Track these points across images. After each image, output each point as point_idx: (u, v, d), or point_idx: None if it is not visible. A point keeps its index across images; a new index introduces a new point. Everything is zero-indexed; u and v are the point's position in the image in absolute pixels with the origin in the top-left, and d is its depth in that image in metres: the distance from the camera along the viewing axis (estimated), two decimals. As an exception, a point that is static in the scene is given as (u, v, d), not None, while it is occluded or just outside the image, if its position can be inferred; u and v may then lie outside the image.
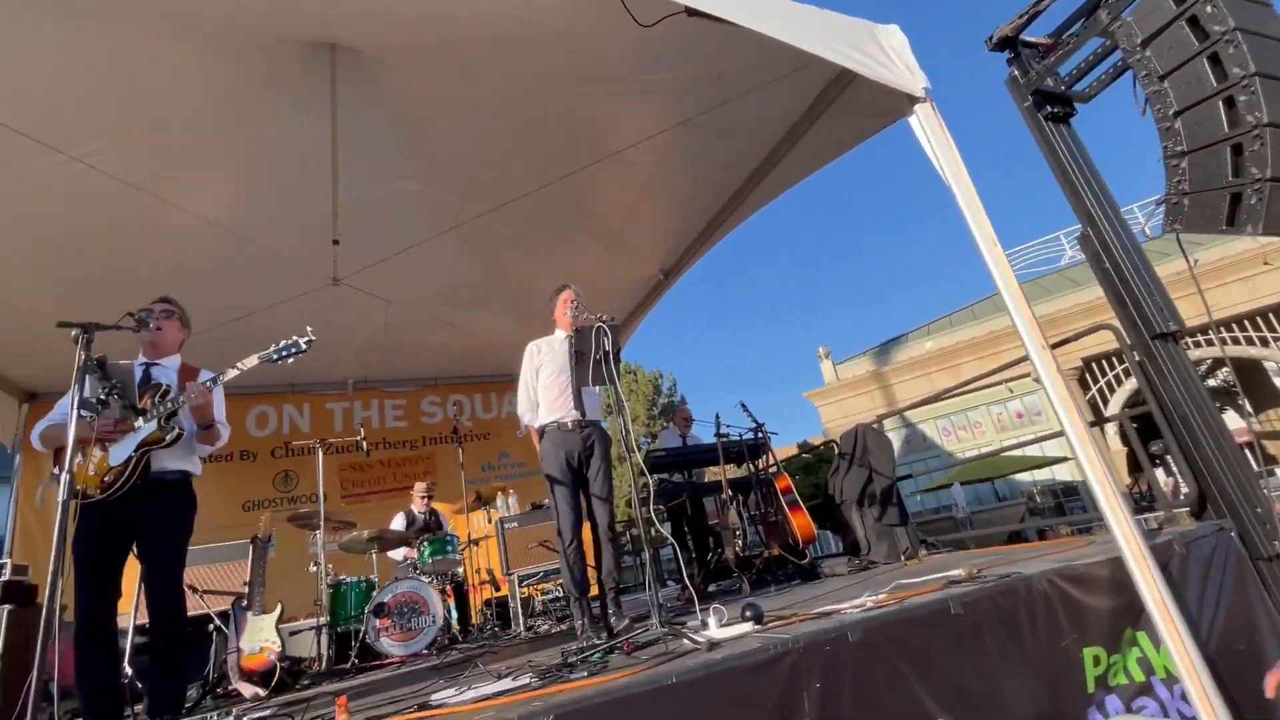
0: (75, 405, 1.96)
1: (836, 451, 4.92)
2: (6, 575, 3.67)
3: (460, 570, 5.11)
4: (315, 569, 4.40)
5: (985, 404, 14.96)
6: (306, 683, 3.75)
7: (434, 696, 2.10)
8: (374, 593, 4.22)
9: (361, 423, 6.78)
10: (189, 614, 3.88)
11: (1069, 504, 13.88)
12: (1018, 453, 12.10)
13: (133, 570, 2.59)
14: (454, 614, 4.93)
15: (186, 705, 3.35)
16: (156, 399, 2.57)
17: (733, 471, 4.88)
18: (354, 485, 6.79)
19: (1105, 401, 14.04)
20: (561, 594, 4.77)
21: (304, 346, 2.78)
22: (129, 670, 3.32)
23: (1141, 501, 13.32)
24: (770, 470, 4.94)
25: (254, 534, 3.98)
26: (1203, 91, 2.53)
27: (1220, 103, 2.47)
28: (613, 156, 4.34)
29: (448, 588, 4.83)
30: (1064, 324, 13.09)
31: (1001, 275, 2.77)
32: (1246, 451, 3.27)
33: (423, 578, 4.35)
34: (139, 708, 2.71)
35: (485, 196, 4.61)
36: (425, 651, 4.06)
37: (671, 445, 5.44)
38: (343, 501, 6.57)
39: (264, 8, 3.09)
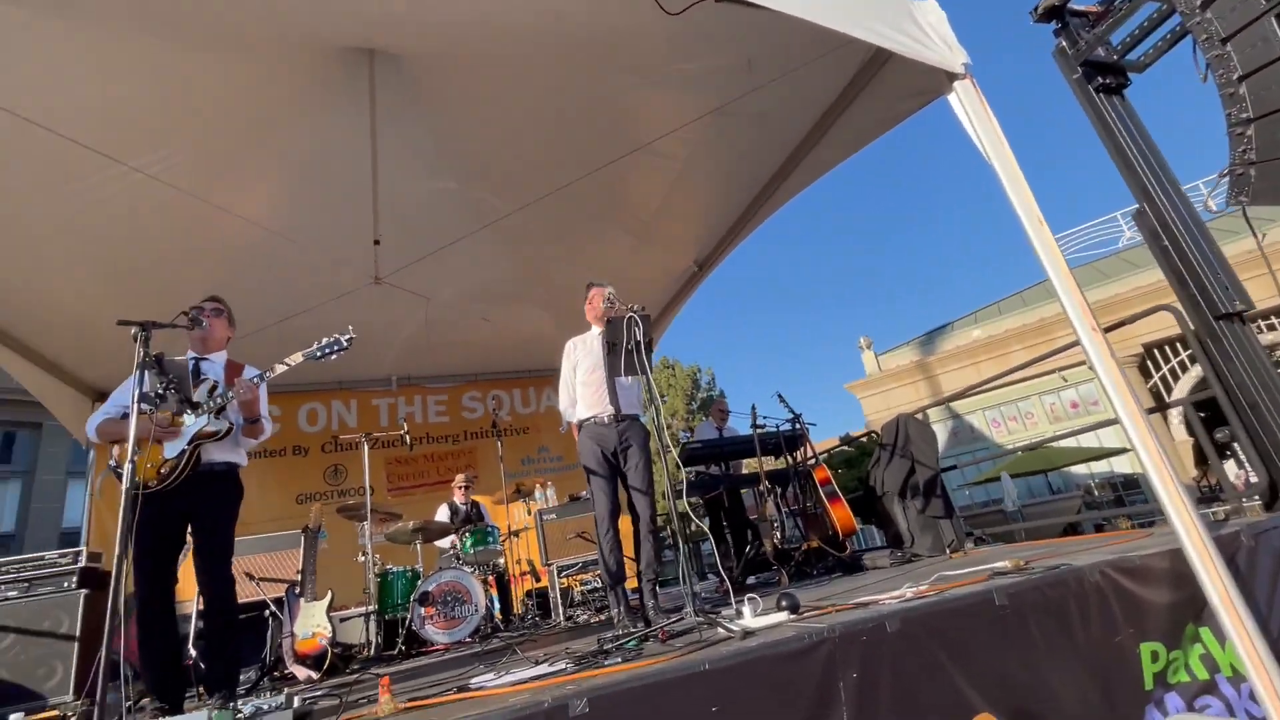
0: (136, 399, 2.07)
1: (878, 442, 4.82)
2: (83, 562, 3.91)
3: (501, 561, 5.22)
4: (363, 559, 4.56)
5: (1037, 393, 14.37)
6: (356, 667, 3.89)
7: (473, 680, 2.15)
8: (419, 582, 4.35)
9: (405, 418, 6.96)
10: (247, 600, 4.09)
11: (1130, 497, 13.22)
12: (1072, 443, 11.60)
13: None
14: (496, 603, 5.04)
15: (245, 686, 3.53)
16: (209, 394, 2.70)
17: (770, 463, 4.83)
18: (399, 479, 6.99)
19: (1169, 390, 13.32)
20: (599, 585, 4.82)
21: (345, 344, 2.87)
22: (193, 652, 3.51)
23: (1210, 495, 12.61)
24: (809, 462, 4.87)
25: (305, 524, 4.14)
26: (1271, 53, 2.37)
27: (1290, 64, 2.31)
28: (645, 148, 4.33)
29: (490, 578, 4.93)
30: (1122, 309, 12.45)
31: (1049, 255, 2.66)
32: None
33: (465, 568, 4.46)
34: (203, 689, 2.87)
35: (520, 193, 4.67)
36: (468, 639, 4.15)
37: (708, 438, 5.42)
38: (389, 494, 6.78)
39: (305, 19, 3.19)
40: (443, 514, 5.45)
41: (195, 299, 3.03)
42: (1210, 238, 2.98)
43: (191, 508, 2.64)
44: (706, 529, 4.22)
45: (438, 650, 4.05)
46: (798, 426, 4.83)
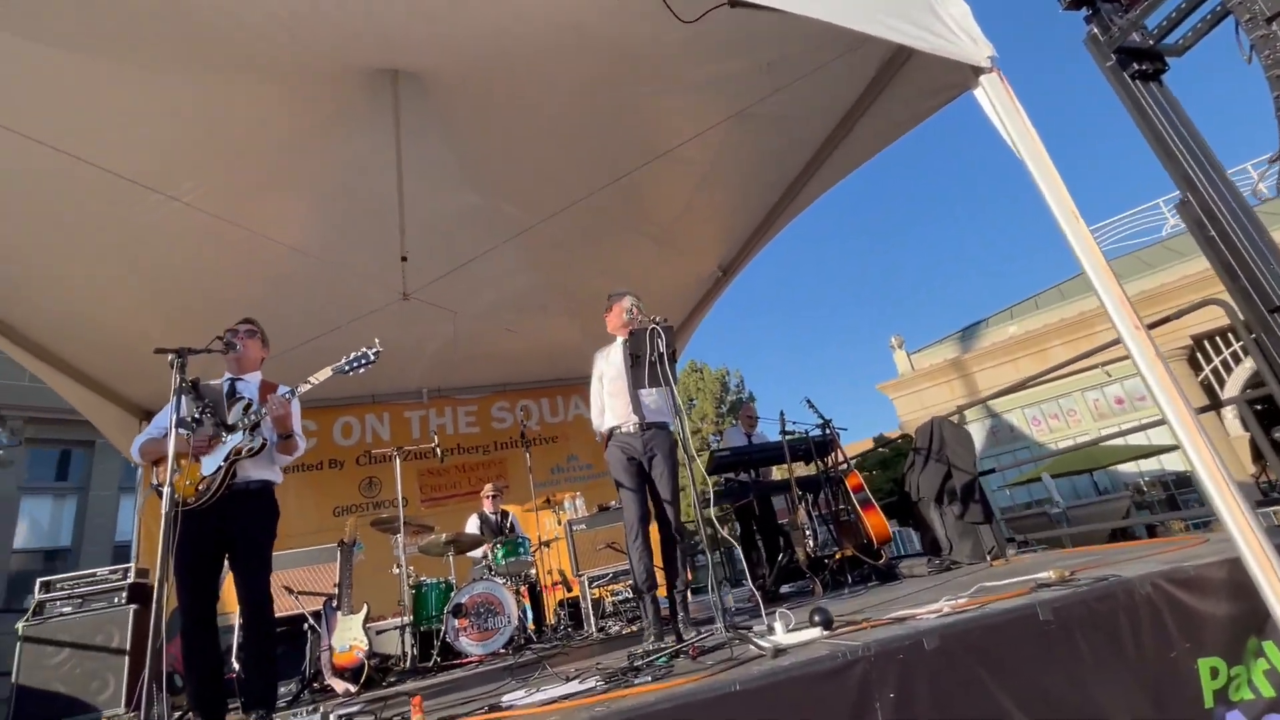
0: (174, 425, 2.13)
1: (912, 446, 4.70)
2: (131, 578, 4.05)
3: (533, 571, 5.24)
4: (397, 571, 4.62)
5: (1080, 389, 13.86)
6: (393, 679, 3.95)
7: (504, 698, 2.15)
8: (452, 594, 4.39)
9: (436, 430, 7.06)
10: (287, 614, 4.18)
11: (1183, 496, 12.63)
12: (1119, 442, 11.14)
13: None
14: (529, 614, 5.06)
15: (286, 699, 3.60)
16: (242, 411, 2.78)
17: (801, 470, 4.75)
18: (432, 490, 7.09)
19: (1221, 383, 12.72)
20: (631, 595, 4.80)
21: (372, 357, 2.92)
22: (235, 666, 3.60)
23: (1272, 493, 11.97)
24: (840, 468, 4.78)
25: (340, 538, 4.22)
26: (1320, 31, 2.24)
27: (1342, 42, 2.18)
28: (666, 155, 4.32)
29: (522, 588, 4.96)
30: (1170, 299, 11.97)
31: (1086, 252, 2.56)
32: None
33: (497, 579, 4.49)
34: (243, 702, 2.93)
35: (543, 204, 4.70)
36: (502, 650, 4.18)
37: (737, 444, 5.36)
38: (422, 505, 6.87)
39: (331, 46, 3.27)
40: (472, 525, 5.50)
41: (232, 319, 3.12)
42: (1261, 225, 2.83)
43: (229, 525, 2.70)
44: (734, 540, 4.16)
45: (472, 662, 4.07)
46: (828, 432, 4.75)
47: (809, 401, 4.86)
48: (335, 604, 3.98)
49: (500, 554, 4.80)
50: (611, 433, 3.35)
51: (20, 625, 3.78)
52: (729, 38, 3.33)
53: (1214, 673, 1.98)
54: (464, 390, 7.50)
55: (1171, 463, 12.50)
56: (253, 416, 2.71)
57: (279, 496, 2.95)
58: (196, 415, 2.53)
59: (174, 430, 2.15)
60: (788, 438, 4.64)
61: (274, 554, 2.88)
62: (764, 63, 3.65)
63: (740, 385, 24.36)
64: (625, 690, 1.81)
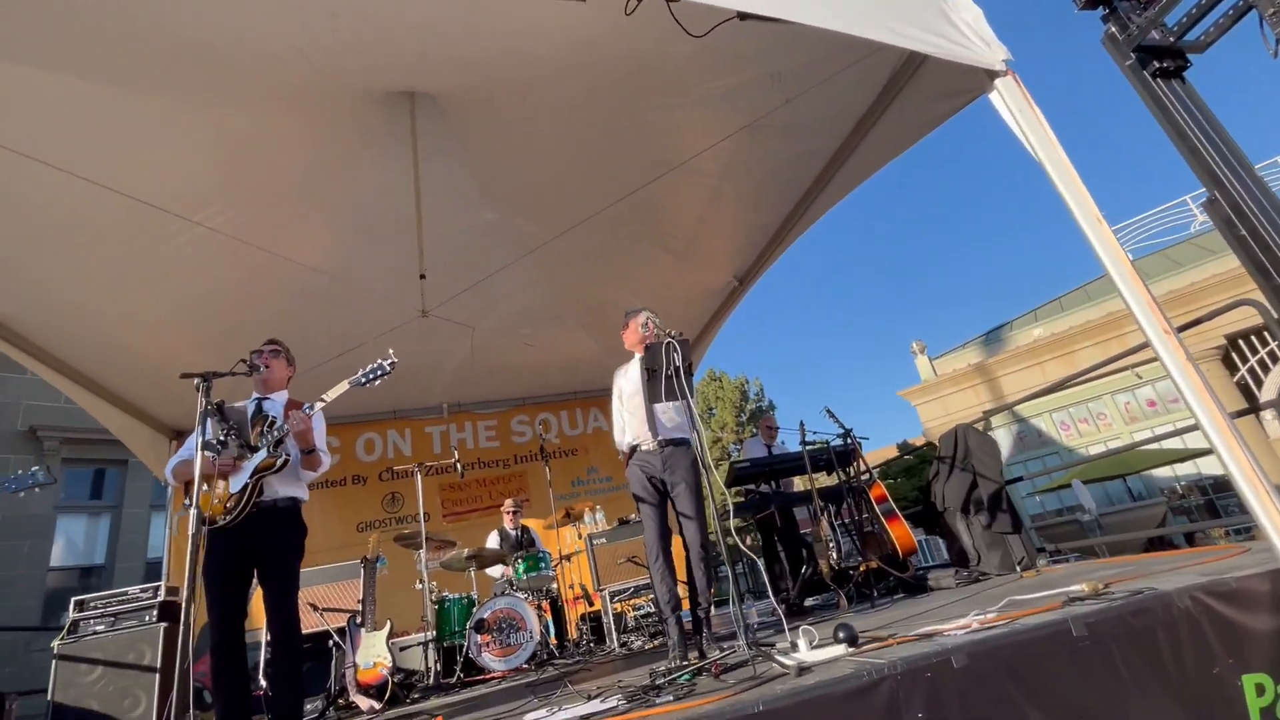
0: (200, 447, 2.18)
1: (936, 455, 4.61)
2: (162, 596, 4.12)
3: (555, 586, 5.23)
4: (420, 586, 4.64)
5: (1110, 392, 13.51)
6: (416, 695, 3.95)
7: (527, 717, 2.14)
8: (474, 609, 4.39)
9: (457, 445, 7.11)
10: (312, 630, 4.22)
11: (1222, 501, 12.20)
12: (1153, 445, 10.81)
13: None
14: (551, 628, 5.04)
15: (312, 716, 3.62)
16: (265, 428, 2.83)
17: (823, 480, 4.69)
18: (454, 505, 7.12)
19: (1258, 382, 12.32)
20: (653, 609, 4.76)
21: (388, 368, 2.96)
22: (263, 683, 3.63)
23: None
24: (863, 478, 4.71)
25: (364, 555, 4.26)
26: (1349, 23, 2.18)
27: (1373, 33, 2.12)
28: (679, 168, 4.34)
29: (544, 603, 4.94)
30: (1201, 298, 11.65)
31: (1111, 256, 2.51)
32: None
33: (519, 594, 4.48)
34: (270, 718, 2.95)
35: (559, 219, 4.74)
36: (525, 666, 4.16)
37: (757, 455, 5.32)
38: (444, 521, 6.91)
39: (349, 71, 3.35)
40: (493, 540, 5.51)
41: (258, 340, 3.18)
42: (1294, 223, 2.74)
43: (257, 543, 2.75)
44: (754, 555, 4.11)
45: (495, 678, 4.07)
46: (849, 442, 4.68)
47: (829, 411, 4.81)
48: (359, 620, 4.01)
49: (522, 569, 4.80)
50: (633, 450, 3.35)
51: (55, 644, 3.86)
52: (739, 50, 3.34)
53: (1259, 689, 1.89)
54: (484, 405, 7.55)
55: (1209, 466, 12.10)
56: (275, 433, 2.76)
57: (304, 513, 2.99)
58: (221, 438, 2.58)
59: (200, 453, 2.20)
60: (808, 448, 4.58)
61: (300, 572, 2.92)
62: (774, 74, 3.65)
63: (760, 393, 24.20)
64: (647, 710, 1.79)
